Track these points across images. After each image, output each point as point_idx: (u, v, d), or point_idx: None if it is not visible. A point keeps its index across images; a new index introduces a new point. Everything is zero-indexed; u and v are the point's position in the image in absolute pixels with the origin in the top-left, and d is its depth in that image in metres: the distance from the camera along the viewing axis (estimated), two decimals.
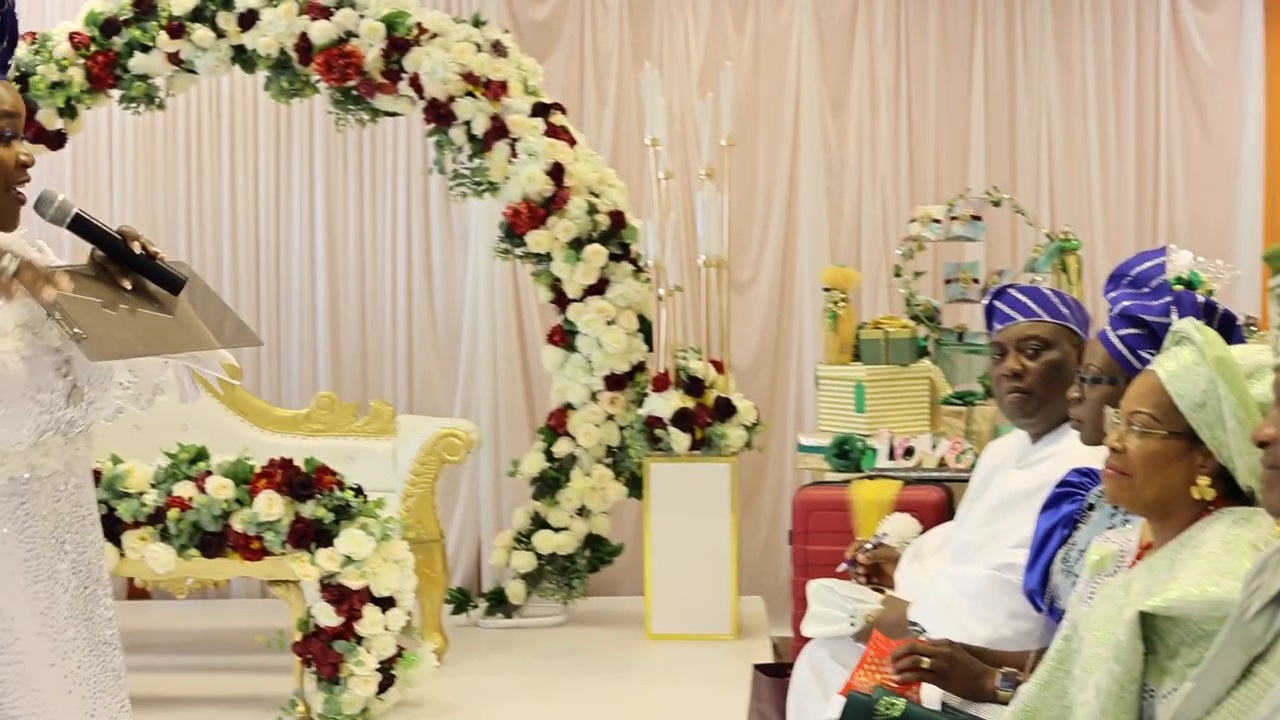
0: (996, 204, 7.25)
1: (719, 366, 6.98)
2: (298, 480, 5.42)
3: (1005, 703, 3.15)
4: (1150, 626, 2.55)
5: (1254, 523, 2.61)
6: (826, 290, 6.87)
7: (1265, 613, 2.20)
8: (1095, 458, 3.37)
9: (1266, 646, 2.18)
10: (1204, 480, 2.66)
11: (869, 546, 4.31)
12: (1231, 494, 2.68)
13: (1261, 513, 2.63)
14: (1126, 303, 3.16)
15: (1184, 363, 2.67)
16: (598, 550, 7.24)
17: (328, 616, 5.40)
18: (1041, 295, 3.84)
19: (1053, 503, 3.51)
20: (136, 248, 2.79)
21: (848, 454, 6.36)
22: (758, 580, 7.92)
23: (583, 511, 7.15)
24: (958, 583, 3.72)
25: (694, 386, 6.82)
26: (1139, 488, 2.71)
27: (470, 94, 6.96)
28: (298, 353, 8.31)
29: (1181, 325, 2.72)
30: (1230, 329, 3.07)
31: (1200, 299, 3.12)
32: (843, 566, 4.27)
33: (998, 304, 3.91)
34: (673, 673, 6.30)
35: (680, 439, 6.75)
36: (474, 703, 5.87)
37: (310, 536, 5.39)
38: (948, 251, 7.70)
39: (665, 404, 6.78)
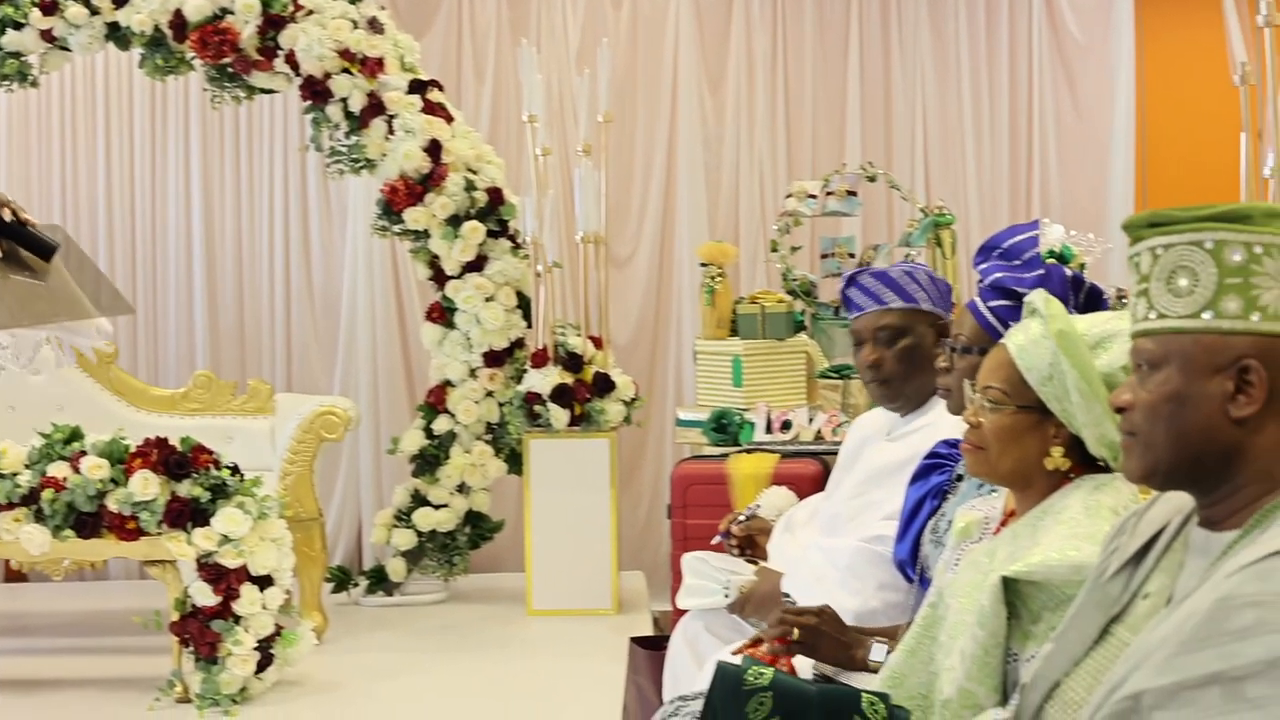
0: (872, 179, 7.33)
1: (598, 342, 7.00)
2: (173, 459, 5.38)
3: (877, 672, 3.21)
4: (1014, 592, 2.60)
5: (1113, 488, 2.68)
6: (704, 266, 6.92)
7: (1123, 573, 2.25)
8: (963, 429, 3.43)
9: (1123, 607, 2.24)
10: (1057, 451, 2.72)
11: (742, 519, 4.36)
12: (1087, 461, 2.74)
13: (1121, 478, 2.69)
14: (998, 274, 3.21)
15: (1031, 336, 2.72)
16: (478, 527, 7.25)
17: (205, 596, 5.37)
18: (891, 280, 3.86)
19: (922, 474, 3.57)
20: (6, 214, 2.77)
21: (725, 428, 6.42)
22: (638, 555, 7.96)
23: (463, 488, 7.15)
24: (828, 555, 3.76)
25: (573, 362, 6.84)
26: (995, 461, 2.77)
27: (346, 71, 6.92)
28: (175, 332, 8.24)
29: (1031, 298, 2.76)
30: (1097, 303, 3.14)
31: (1069, 273, 3.18)
32: (716, 539, 4.32)
33: (850, 293, 3.93)
34: (554, 648, 6.32)
35: (559, 415, 6.77)
36: (354, 681, 5.86)
37: (186, 516, 5.36)
38: (824, 226, 7.76)
39: (544, 380, 6.79)
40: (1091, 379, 2.63)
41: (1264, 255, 2.05)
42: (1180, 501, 2.25)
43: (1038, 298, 2.75)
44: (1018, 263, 3.24)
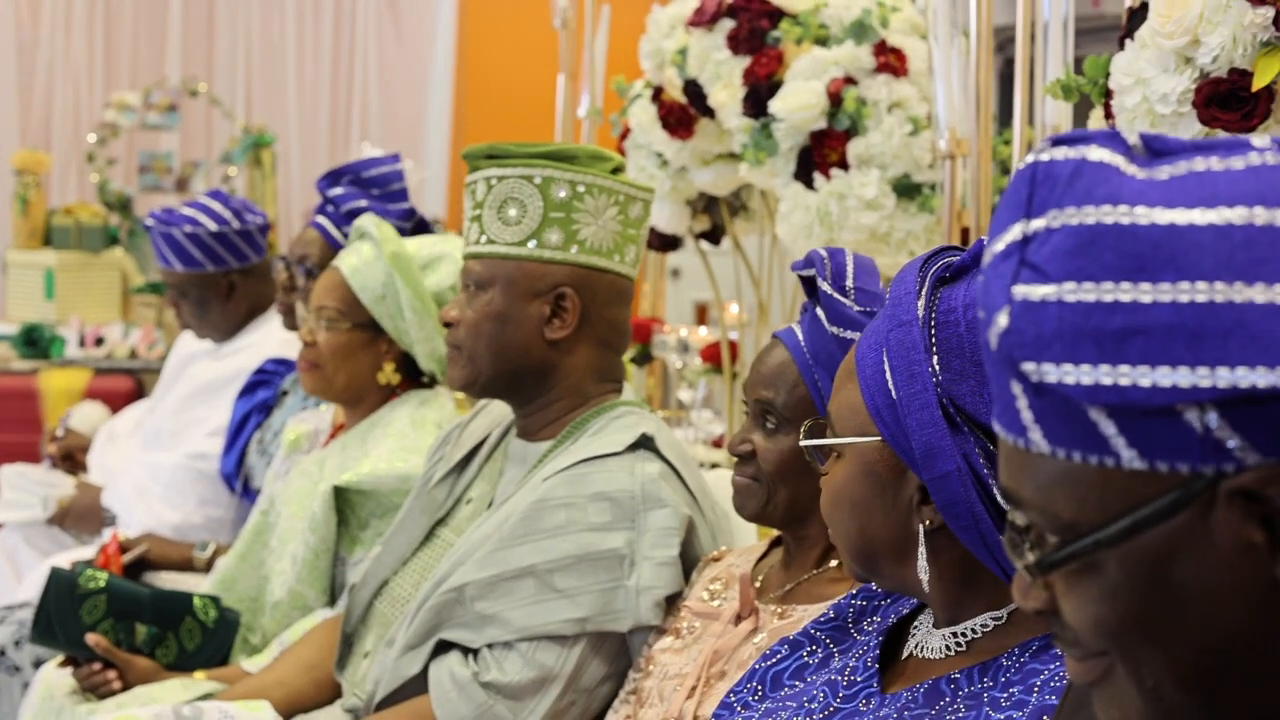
0: (194, 94, 7.27)
1: None
2: None
3: (204, 566, 3.30)
4: (344, 500, 2.75)
5: (437, 403, 2.87)
6: (18, 174, 6.68)
7: (447, 481, 2.44)
8: (289, 347, 3.54)
9: (448, 511, 2.43)
10: (389, 366, 2.88)
11: (59, 435, 4.31)
12: (415, 377, 2.92)
13: (444, 394, 2.88)
14: (361, 202, 3.28)
15: (364, 258, 2.86)
16: None
17: None
18: (175, 242, 3.79)
19: (249, 389, 3.66)
20: None
21: (36, 342, 6.24)
22: None
23: None
24: (152, 470, 3.78)
25: None
26: (331, 377, 2.89)
27: None
28: None
29: (361, 222, 2.90)
30: (426, 232, 3.29)
31: (408, 206, 3.31)
32: (47, 463, 4.23)
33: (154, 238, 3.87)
34: None
35: None
36: None
37: None
38: (143, 140, 7.63)
39: None
40: (423, 297, 2.79)
41: (586, 194, 2.26)
42: (500, 414, 2.45)
43: (368, 221, 2.89)
44: (376, 192, 3.32)
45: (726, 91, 3.00)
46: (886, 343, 1.42)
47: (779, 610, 1.91)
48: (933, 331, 1.40)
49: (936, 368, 1.39)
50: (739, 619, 1.95)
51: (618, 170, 2.33)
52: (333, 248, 3.25)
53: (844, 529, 1.50)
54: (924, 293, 1.42)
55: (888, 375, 1.41)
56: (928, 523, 1.43)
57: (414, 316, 2.79)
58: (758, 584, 1.99)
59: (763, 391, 1.94)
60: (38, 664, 2.97)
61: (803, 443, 1.59)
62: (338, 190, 3.33)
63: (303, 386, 3.00)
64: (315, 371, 2.89)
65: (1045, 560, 0.90)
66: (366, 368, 2.88)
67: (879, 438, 1.43)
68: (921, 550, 1.44)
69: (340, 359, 2.87)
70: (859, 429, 1.46)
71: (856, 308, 1.80)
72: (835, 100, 2.78)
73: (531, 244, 2.26)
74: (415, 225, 3.24)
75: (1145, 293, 0.83)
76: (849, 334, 1.79)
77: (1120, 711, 0.92)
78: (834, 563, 1.92)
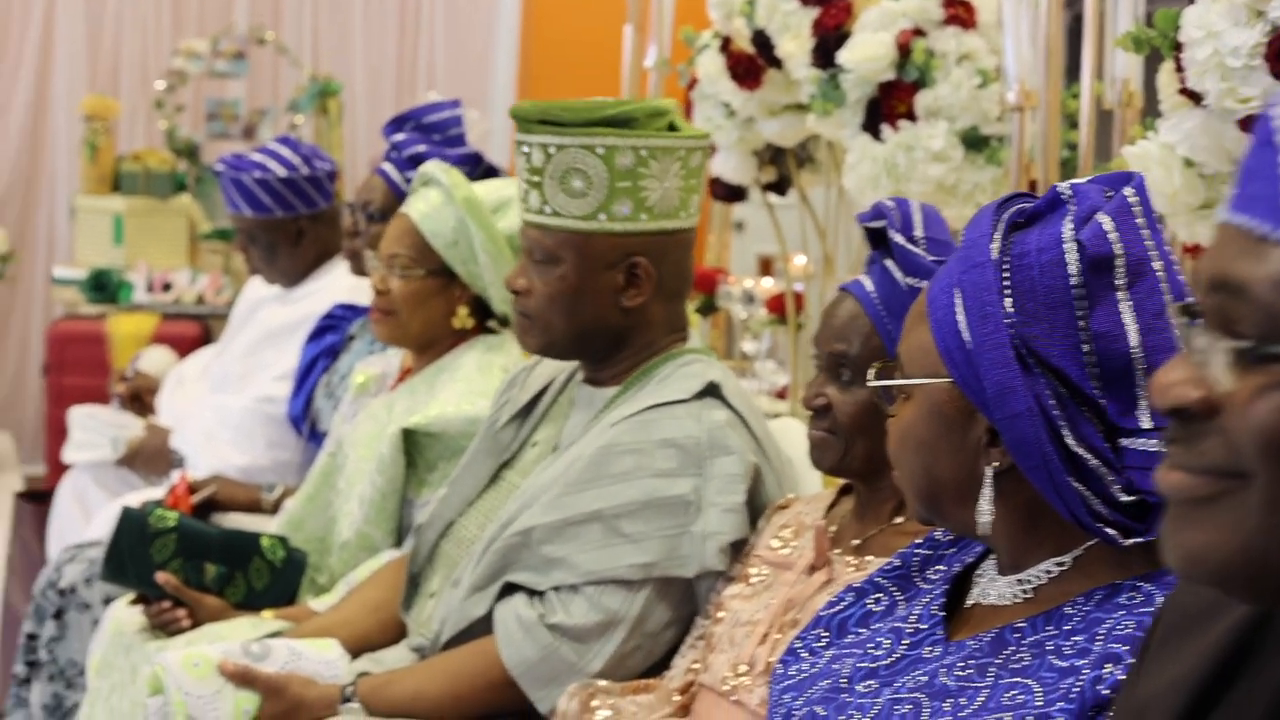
0: (261, 42, 7.30)
1: None
2: None
3: (271, 508, 3.35)
4: (411, 442, 2.78)
5: (505, 349, 2.88)
6: (87, 120, 6.74)
7: (513, 424, 2.46)
8: (357, 293, 3.57)
9: (513, 454, 2.45)
10: (463, 310, 2.88)
11: (129, 375, 4.36)
12: (487, 320, 2.93)
13: (511, 339, 2.89)
14: (420, 148, 3.29)
15: (433, 204, 2.86)
16: None
17: None
18: (245, 188, 3.82)
19: (317, 334, 3.69)
20: None
21: (104, 287, 6.31)
22: (7, 415, 7.70)
23: None
24: (220, 413, 3.82)
25: None
26: (405, 324, 2.90)
27: None
28: None
29: (428, 169, 2.89)
30: (494, 175, 3.30)
31: (471, 150, 3.33)
32: (115, 403, 4.29)
33: (221, 181, 3.89)
34: None
35: None
36: None
37: None
38: (210, 88, 7.66)
39: None
40: (497, 240, 2.80)
41: (650, 158, 2.25)
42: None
43: (434, 168, 2.89)
44: (437, 137, 3.34)
45: (795, 42, 2.99)
46: (960, 284, 1.43)
47: (855, 562, 1.92)
48: (1006, 274, 1.41)
49: (1009, 309, 1.40)
50: (813, 569, 1.96)
51: (670, 123, 2.31)
52: (395, 193, 3.27)
53: (909, 469, 1.51)
54: (998, 236, 1.43)
55: (960, 317, 1.42)
56: (996, 464, 1.44)
57: (488, 259, 2.80)
58: (831, 534, 1.99)
59: (836, 344, 1.94)
60: (107, 601, 3.01)
61: (871, 383, 1.59)
62: (400, 136, 3.36)
63: (375, 335, 3.01)
64: (390, 319, 2.89)
65: (1259, 351, 0.85)
66: (440, 313, 2.88)
67: (949, 379, 1.44)
68: (986, 491, 1.45)
69: (415, 305, 2.87)
70: (929, 370, 1.47)
71: (930, 257, 1.81)
72: (904, 52, 2.77)
73: (601, 217, 2.23)
74: (483, 171, 3.25)
75: None
76: (924, 283, 1.79)
77: (1216, 536, 0.89)
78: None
